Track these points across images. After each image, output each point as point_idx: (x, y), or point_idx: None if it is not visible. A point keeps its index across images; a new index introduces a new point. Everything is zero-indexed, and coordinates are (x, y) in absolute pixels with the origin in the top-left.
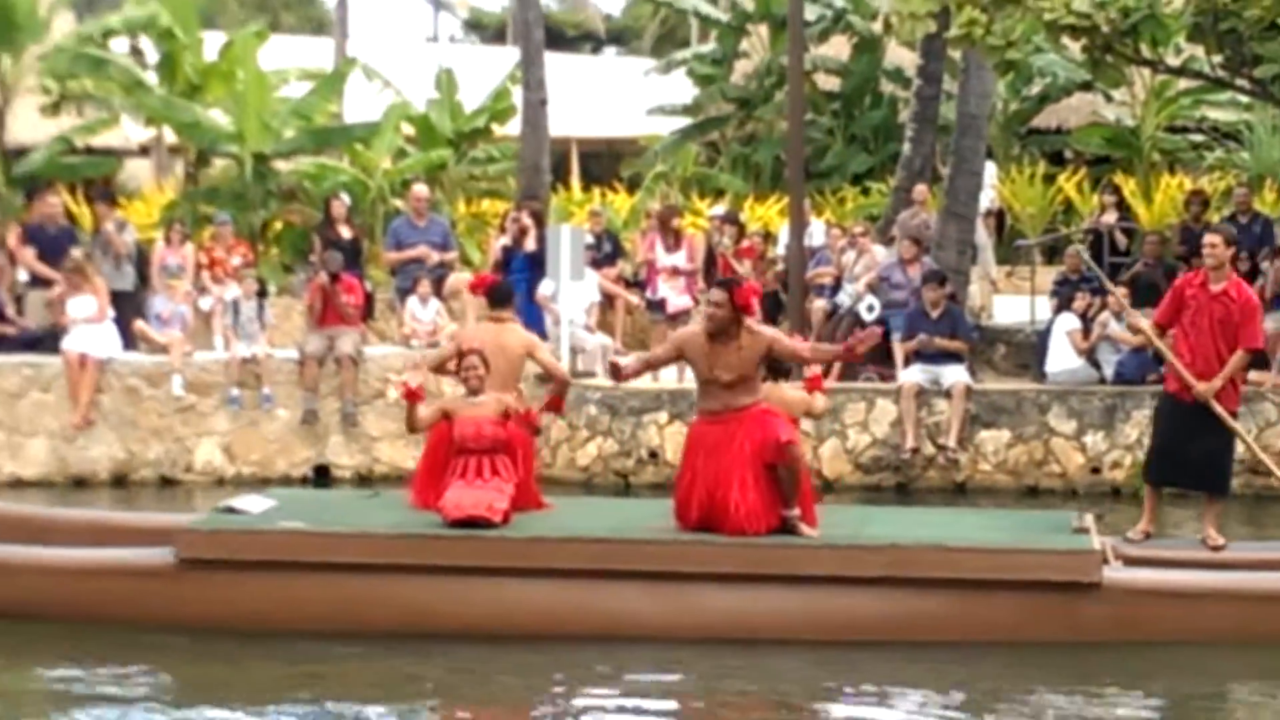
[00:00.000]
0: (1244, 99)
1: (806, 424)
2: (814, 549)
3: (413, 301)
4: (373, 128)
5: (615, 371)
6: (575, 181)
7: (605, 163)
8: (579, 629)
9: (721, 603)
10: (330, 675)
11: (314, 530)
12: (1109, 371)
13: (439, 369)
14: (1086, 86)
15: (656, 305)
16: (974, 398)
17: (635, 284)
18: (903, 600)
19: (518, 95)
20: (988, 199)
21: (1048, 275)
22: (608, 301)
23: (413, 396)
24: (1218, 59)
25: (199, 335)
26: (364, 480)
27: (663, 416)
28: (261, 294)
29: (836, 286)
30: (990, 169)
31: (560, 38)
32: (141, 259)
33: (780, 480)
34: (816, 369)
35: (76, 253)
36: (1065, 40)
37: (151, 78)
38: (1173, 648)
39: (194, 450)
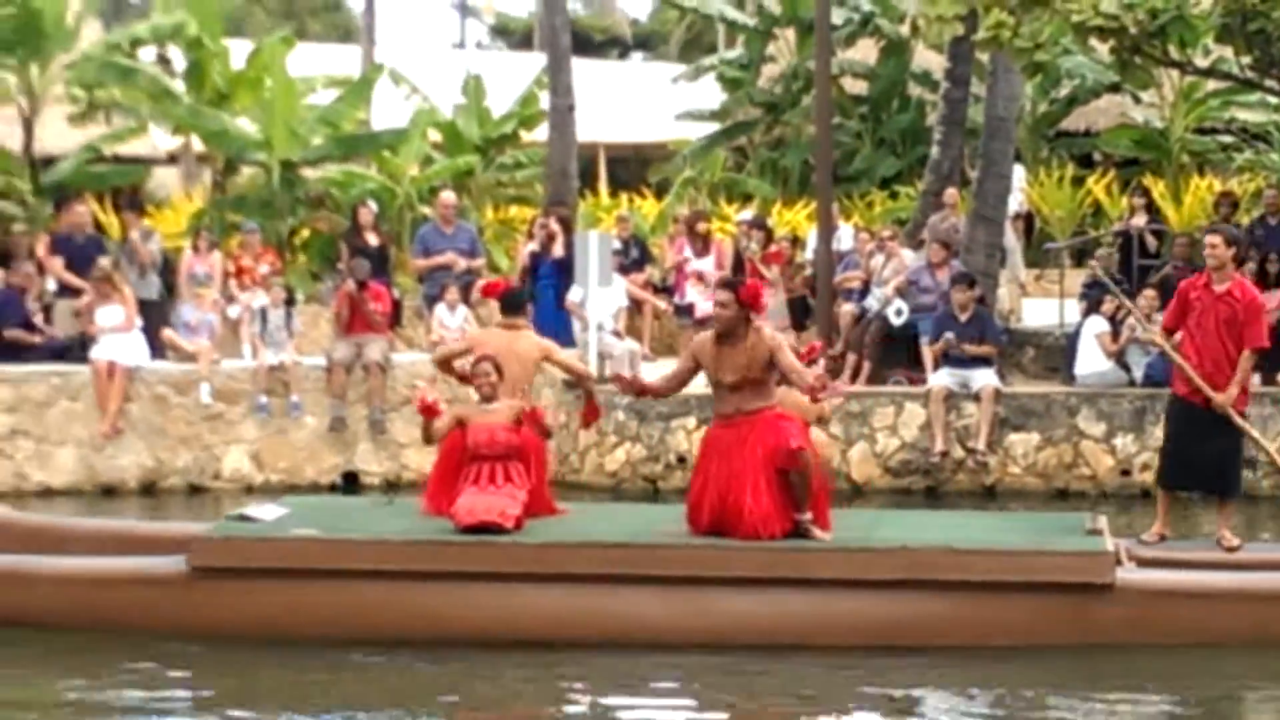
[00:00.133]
0: (1273, 100)
1: (836, 427)
2: (826, 552)
3: (440, 308)
4: (400, 134)
5: (625, 385)
6: (603, 187)
7: (633, 168)
8: (592, 634)
9: (734, 607)
10: (343, 682)
11: (326, 537)
12: (1138, 374)
13: (446, 364)
14: (1115, 88)
15: (684, 310)
16: (1003, 401)
17: (663, 289)
18: (915, 603)
19: (545, 101)
20: (1016, 202)
21: (1076, 278)
22: (636, 307)
23: (429, 412)
24: (1246, 60)
25: (227, 343)
26: (392, 487)
27: (691, 422)
28: (289, 302)
29: (865, 291)
30: (1019, 172)
31: (587, 43)
32: (169, 267)
33: (791, 485)
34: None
35: (104, 262)
36: (1093, 42)
37: (179, 86)
38: (1187, 649)
39: (222, 458)
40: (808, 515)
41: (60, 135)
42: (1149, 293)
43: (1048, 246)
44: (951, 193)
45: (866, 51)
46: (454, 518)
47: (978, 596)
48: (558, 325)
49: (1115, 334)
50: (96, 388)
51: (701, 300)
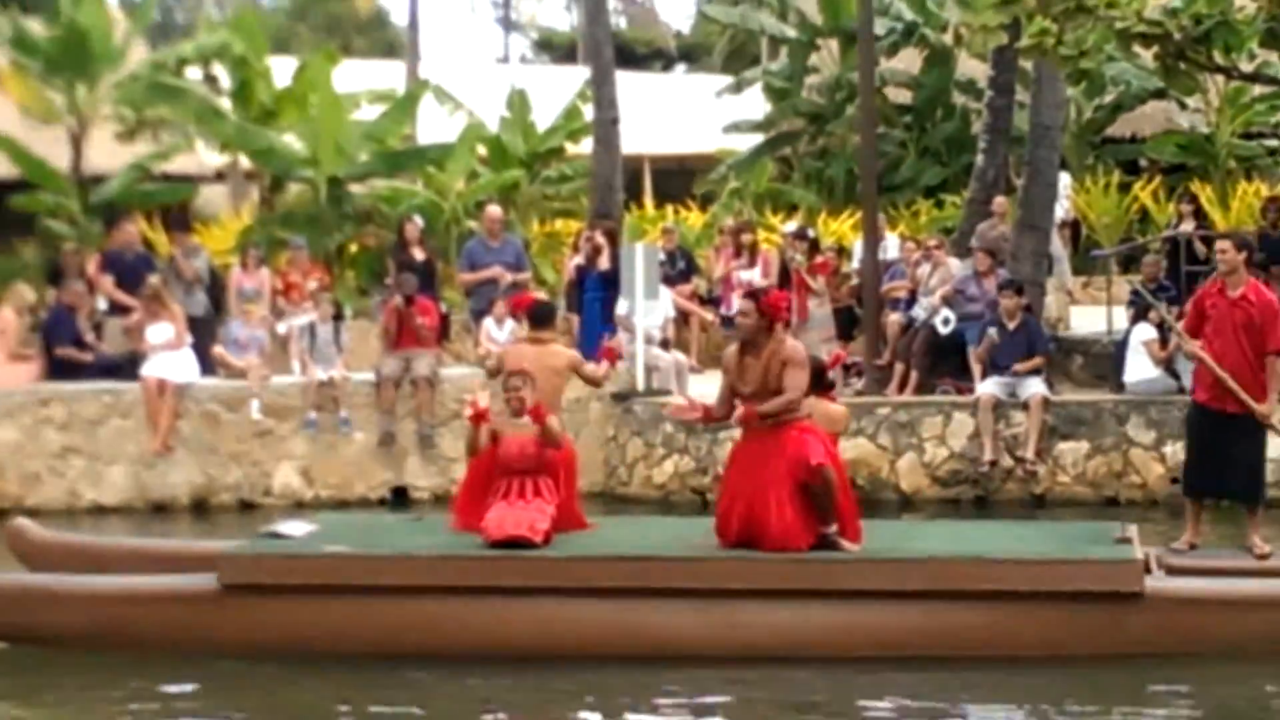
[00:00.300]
0: None
1: (884, 437)
2: (854, 564)
3: (488, 322)
4: (446, 149)
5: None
6: (648, 199)
7: (678, 180)
8: (621, 648)
9: (762, 619)
10: (374, 698)
11: (355, 554)
12: (1187, 381)
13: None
14: (1160, 94)
15: (732, 321)
16: (1052, 409)
17: (710, 300)
18: (944, 614)
19: (589, 114)
20: (1062, 209)
21: (1124, 285)
22: (682, 318)
23: (480, 419)
24: None
25: (276, 359)
26: (441, 501)
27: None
28: (338, 317)
29: (911, 300)
30: (1065, 179)
31: (630, 56)
32: (217, 284)
33: (815, 499)
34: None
35: (154, 279)
36: (1137, 48)
37: (226, 104)
38: (1218, 658)
39: (272, 474)
40: (834, 528)
41: (108, 154)
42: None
43: (1094, 254)
44: (1000, 201)
45: (910, 61)
46: (483, 532)
47: (1007, 606)
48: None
49: (1164, 341)
50: (147, 405)
51: None
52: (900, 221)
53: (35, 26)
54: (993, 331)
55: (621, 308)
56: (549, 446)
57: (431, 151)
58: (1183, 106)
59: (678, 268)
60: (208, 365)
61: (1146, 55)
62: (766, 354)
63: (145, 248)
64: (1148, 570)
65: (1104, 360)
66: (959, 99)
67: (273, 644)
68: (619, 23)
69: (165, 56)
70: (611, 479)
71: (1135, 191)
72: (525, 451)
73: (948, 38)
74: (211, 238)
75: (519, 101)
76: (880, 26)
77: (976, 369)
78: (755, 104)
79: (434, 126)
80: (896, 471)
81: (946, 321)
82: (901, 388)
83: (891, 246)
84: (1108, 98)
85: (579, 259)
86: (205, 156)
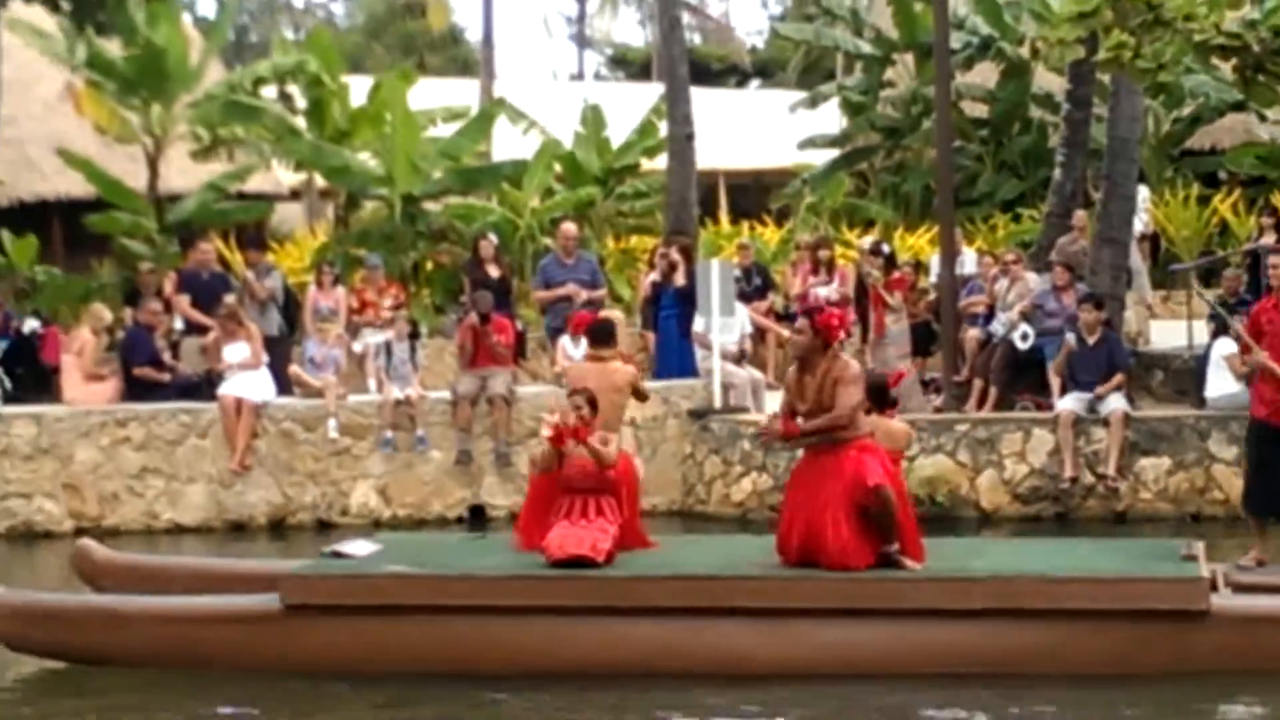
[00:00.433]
0: None
1: (963, 454)
2: (916, 582)
3: (565, 340)
4: (521, 166)
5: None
6: (723, 215)
7: (753, 195)
8: (683, 666)
9: (825, 638)
10: (436, 718)
11: (417, 573)
12: None
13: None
14: (1239, 106)
15: None
16: (1132, 425)
17: (786, 316)
18: (1008, 632)
19: (664, 130)
20: (1141, 223)
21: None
22: (759, 335)
23: (561, 439)
24: None
25: (352, 378)
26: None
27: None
28: (414, 335)
29: (990, 315)
30: (1143, 192)
31: (705, 72)
32: (292, 303)
33: (875, 518)
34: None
35: (230, 299)
36: (1216, 61)
37: (301, 123)
38: None
39: (350, 493)
40: (895, 546)
41: (184, 174)
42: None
43: (1174, 268)
44: (1080, 215)
45: (986, 74)
46: (545, 551)
47: (1071, 625)
48: (681, 355)
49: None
50: (224, 425)
51: None
52: (977, 236)
53: (111, 47)
54: (1070, 337)
55: (697, 324)
56: (604, 466)
57: (506, 168)
58: (1262, 118)
59: (753, 284)
60: (283, 384)
61: (1225, 67)
62: (821, 372)
63: (222, 267)
64: (1214, 588)
65: (1185, 375)
66: (1036, 112)
67: (335, 664)
68: (693, 39)
69: (241, 76)
70: (689, 497)
71: (1215, 204)
72: (587, 471)
73: (1024, 51)
74: (287, 256)
75: (594, 118)
76: (956, 40)
77: (1055, 382)
78: (830, 119)
79: (509, 143)
80: (976, 488)
81: (1025, 337)
82: (980, 404)
83: (969, 261)
84: (1186, 110)
85: (654, 275)
86: (281, 175)
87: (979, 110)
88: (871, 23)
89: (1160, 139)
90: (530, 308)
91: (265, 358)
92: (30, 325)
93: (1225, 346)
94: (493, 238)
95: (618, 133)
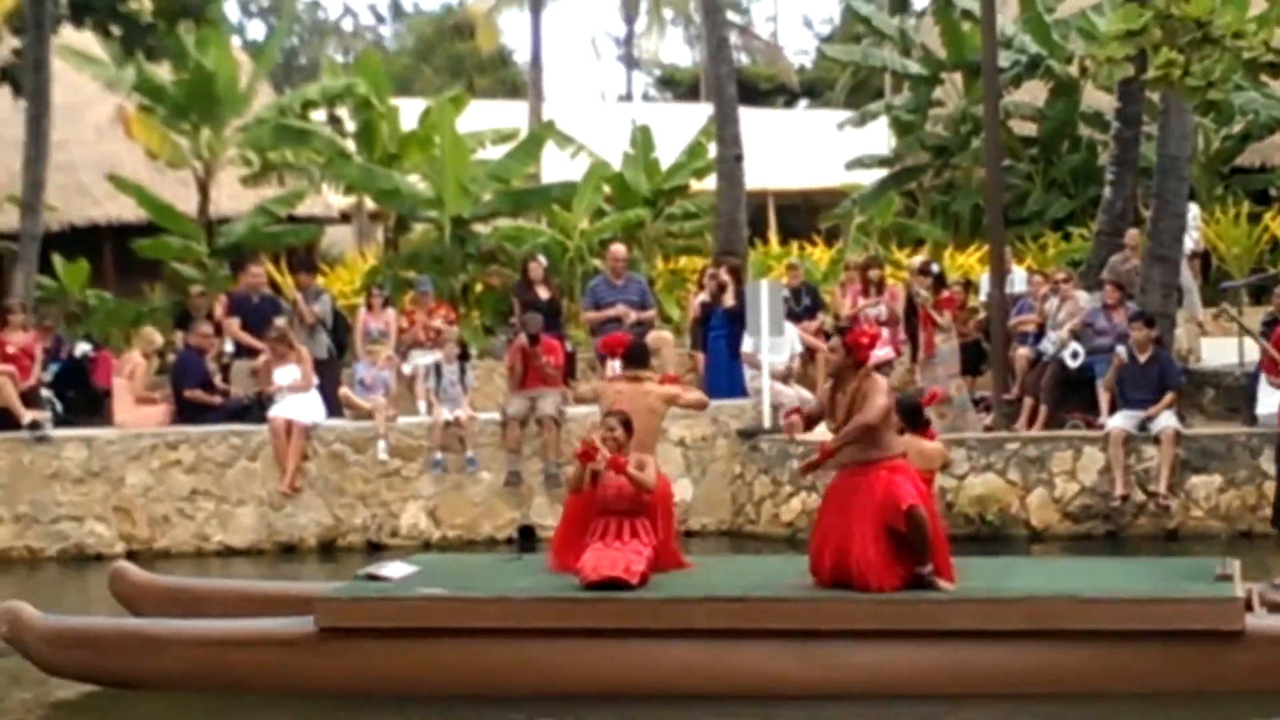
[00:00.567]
0: None
1: (1013, 472)
2: (950, 603)
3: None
4: (570, 188)
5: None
6: (773, 235)
7: (802, 215)
8: (717, 688)
9: (859, 659)
10: None
11: (451, 596)
12: None
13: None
14: None
15: None
16: (1183, 443)
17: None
18: (1041, 653)
19: (713, 151)
20: (1191, 241)
21: (1256, 316)
22: (808, 355)
23: (590, 457)
24: None
25: (402, 400)
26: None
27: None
28: (463, 357)
29: (1040, 334)
30: (1193, 210)
31: (753, 91)
32: (341, 325)
33: (908, 539)
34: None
35: (280, 322)
36: (1265, 78)
37: (351, 146)
38: None
39: (400, 515)
40: (928, 567)
41: (234, 197)
42: None
43: (1225, 285)
44: (1132, 234)
45: (1035, 93)
46: (579, 573)
47: (1104, 645)
48: (730, 375)
49: None
50: (275, 447)
51: (876, 348)
52: (1027, 255)
53: (161, 72)
54: (1121, 350)
55: (747, 345)
56: (646, 492)
57: (555, 190)
58: None
59: (803, 304)
60: (333, 407)
61: (1275, 84)
62: (852, 389)
63: (272, 290)
64: (1249, 607)
65: (1236, 393)
66: (1085, 131)
67: (369, 687)
68: (740, 58)
69: (290, 99)
70: (739, 517)
71: (1265, 221)
72: (623, 493)
73: (1073, 69)
74: (337, 279)
75: (642, 139)
76: (1004, 59)
77: (1104, 398)
78: (878, 138)
79: (558, 165)
80: (1027, 507)
81: (1075, 355)
82: (1030, 422)
83: (1018, 280)
84: (1236, 127)
85: (704, 296)
86: (330, 198)
87: (1028, 129)
88: (920, 42)
89: (1210, 156)
90: (579, 329)
91: (315, 380)
92: (82, 349)
93: None
94: (542, 259)
95: (666, 153)
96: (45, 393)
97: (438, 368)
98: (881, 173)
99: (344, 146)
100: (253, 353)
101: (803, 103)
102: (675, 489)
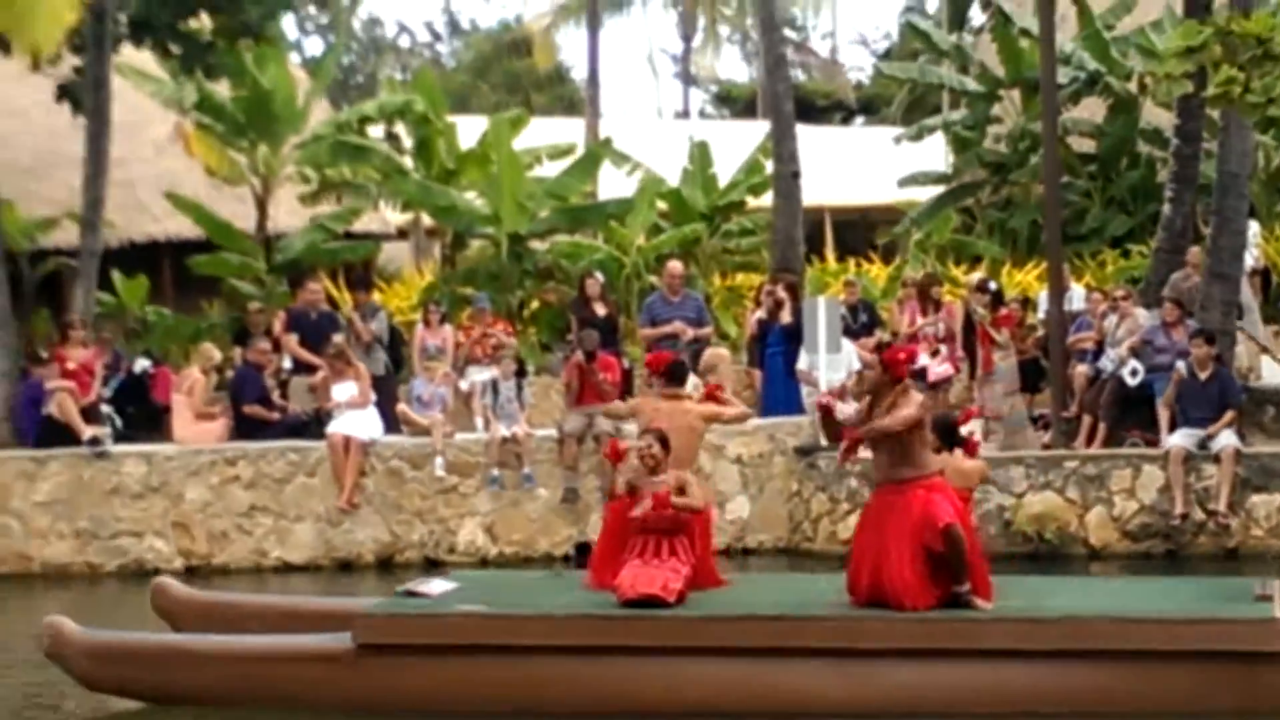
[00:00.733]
0: None
1: (1072, 490)
2: (986, 623)
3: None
4: (626, 204)
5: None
6: (830, 252)
7: (859, 232)
8: (755, 707)
9: (895, 678)
10: None
11: (489, 613)
12: None
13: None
14: None
15: (917, 374)
16: (1244, 461)
17: None
18: (1078, 672)
19: (770, 168)
20: (1252, 258)
21: None
22: None
23: (617, 456)
24: None
25: (459, 416)
26: None
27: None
28: (520, 374)
29: (1099, 351)
30: (1254, 227)
31: (810, 108)
32: (398, 342)
33: (945, 559)
34: (975, 435)
35: (338, 338)
36: None
37: (408, 163)
38: None
39: (457, 531)
40: (966, 586)
41: (292, 214)
42: None
43: None
44: (1194, 251)
45: (1094, 110)
46: (617, 591)
47: (1141, 666)
48: (787, 392)
49: None
50: (332, 463)
51: (935, 365)
52: (1086, 272)
53: (220, 89)
54: (1181, 366)
55: (803, 362)
56: (695, 514)
57: (612, 206)
58: None
59: (860, 321)
60: (390, 423)
61: None
62: (888, 405)
63: (330, 306)
64: None
65: None
66: (1144, 148)
67: (407, 704)
68: (797, 75)
69: (347, 116)
70: (796, 534)
71: None
72: (662, 511)
73: (1132, 86)
74: (395, 295)
75: (700, 155)
76: (1063, 76)
77: (1164, 416)
78: (935, 153)
79: (614, 181)
80: (1085, 525)
81: (1135, 373)
82: (1089, 440)
83: (1077, 297)
84: None
85: (761, 313)
86: (388, 215)
87: (1086, 145)
88: (978, 59)
89: (1270, 173)
90: (636, 345)
91: (373, 396)
92: (141, 365)
93: None
94: (599, 276)
95: (723, 170)
96: (105, 408)
97: (495, 384)
98: (937, 189)
99: (401, 163)
100: (311, 369)
101: (859, 119)
102: (732, 506)
